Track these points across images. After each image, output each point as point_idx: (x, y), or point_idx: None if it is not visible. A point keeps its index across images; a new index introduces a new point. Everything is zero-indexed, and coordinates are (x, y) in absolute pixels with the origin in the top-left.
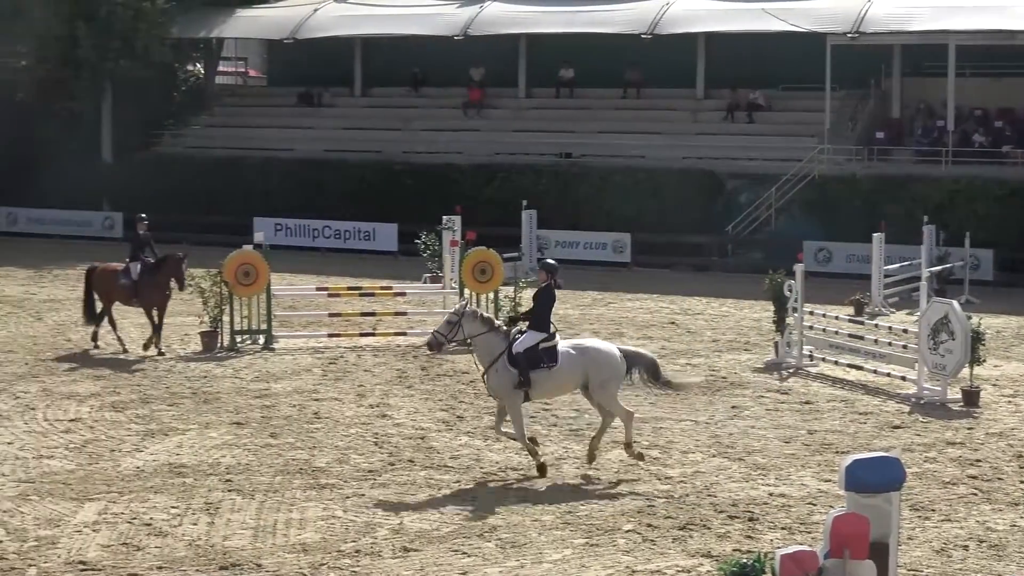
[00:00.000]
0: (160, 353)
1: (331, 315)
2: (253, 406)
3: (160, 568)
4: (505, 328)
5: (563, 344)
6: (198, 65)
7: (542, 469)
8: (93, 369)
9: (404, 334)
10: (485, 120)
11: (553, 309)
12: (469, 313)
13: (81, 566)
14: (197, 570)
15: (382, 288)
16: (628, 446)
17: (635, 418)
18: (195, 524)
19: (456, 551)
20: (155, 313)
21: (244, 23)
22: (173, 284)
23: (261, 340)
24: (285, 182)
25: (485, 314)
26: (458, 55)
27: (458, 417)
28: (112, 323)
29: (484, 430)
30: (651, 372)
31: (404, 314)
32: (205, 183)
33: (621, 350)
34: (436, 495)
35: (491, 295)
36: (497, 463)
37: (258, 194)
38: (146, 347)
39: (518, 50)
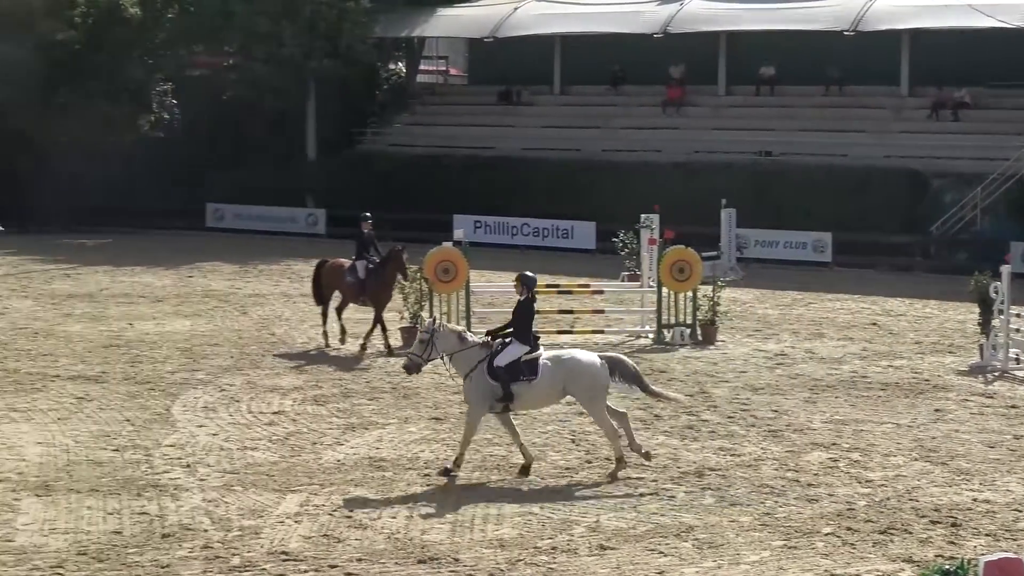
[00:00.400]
0: (363, 348)
1: None
2: (452, 402)
3: (360, 560)
4: (481, 342)
5: (544, 356)
6: (400, 64)
7: (448, 471)
8: (296, 363)
9: (602, 332)
10: (684, 118)
11: (534, 320)
12: (440, 330)
13: (283, 556)
14: (396, 563)
15: (580, 286)
16: (619, 461)
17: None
18: (394, 517)
19: (652, 550)
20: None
21: (445, 22)
22: (399, 279)
23: None
24: (485, 180)
25: (458, 328)
26: (657, 53)
27: (655, 416)
28: (324, 318)
29: (682, 429)
30: (633, 380)
31: (602, 312)
32: (406, 181)
33: (603, 357)
34: (632, 493)
35: (689, 294)
36: (694, 463)
37: (458, 192)
38: (388, 350)
39: (718, 47)
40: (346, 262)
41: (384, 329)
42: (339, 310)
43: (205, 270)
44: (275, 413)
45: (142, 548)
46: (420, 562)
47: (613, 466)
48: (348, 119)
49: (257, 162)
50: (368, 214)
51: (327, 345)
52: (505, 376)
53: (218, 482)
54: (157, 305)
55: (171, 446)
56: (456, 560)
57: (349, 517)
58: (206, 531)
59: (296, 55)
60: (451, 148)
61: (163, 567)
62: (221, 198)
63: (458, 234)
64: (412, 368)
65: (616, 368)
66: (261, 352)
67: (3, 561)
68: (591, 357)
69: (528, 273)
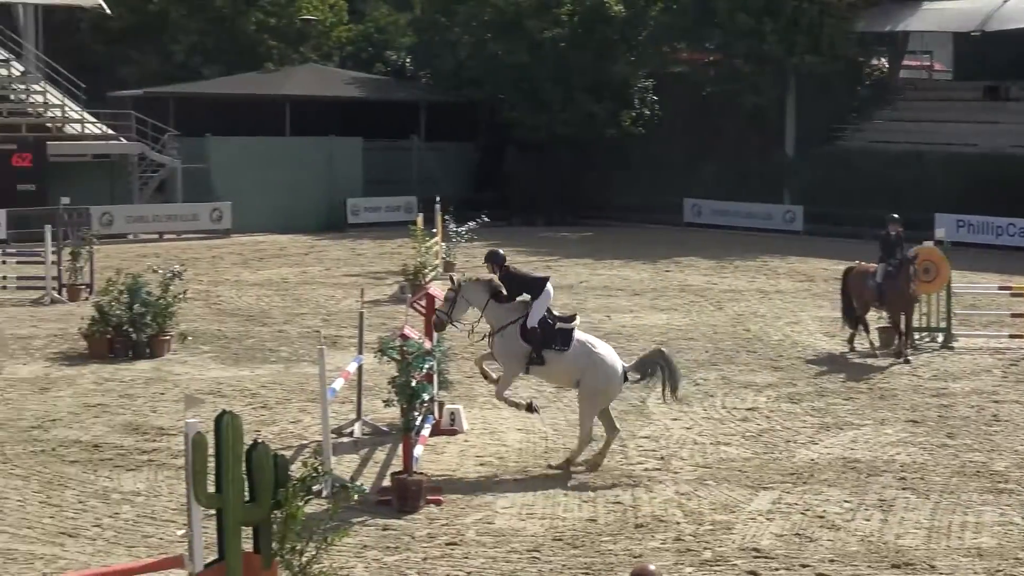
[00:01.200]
0: (906, 361)
1: (1013, 315)
2: (930, 404)
3: (832, 561)
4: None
5: (579, 335)
6: (882, 59)
7: (530, 407)
8: (770, 360)
9: None
10: None
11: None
12: (468, 282)
13: (754, 553)
14: (869, 566)
15: None
16: (568, 461)
17: None
18: (868, 520)
19: None
20: (901, 318)
21: (931, 15)
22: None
23: (940, 338)
24: (968, 178)
25: (488, 278)
26: None
27: None
28: (865, 325)
29: None
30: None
31: None
32: (886, 178)
33: (626, 367)
34: None
35: None
36: None
37: (940, 190)
38: (897, 353)
39: None
40: (872, 267)
41: (901, 335)
42: (860, 319)
43: (682, 265)
44: (749, 409)
45: (615, 536)
46: (894, 567)
47: (564, 457)
48: (828, 115)
49: (735, 158)
50: (896, 215)
51: (874, 354)
52: (538, 340)
53: (691, 476)
54: (634, 298)
55: (646, 438)
56: (932, 567)
57: (821, 517)
58: (678, 524)
59: (777, 51)
60: (933, 145)
61: (635, 556)
62: (699, 193)
63: (939, 233)
64: (437, 325)
65: (645, 369)
66: (735, 348)
67: (483, 543)
68: (615, 362)
69: (497, 250)
